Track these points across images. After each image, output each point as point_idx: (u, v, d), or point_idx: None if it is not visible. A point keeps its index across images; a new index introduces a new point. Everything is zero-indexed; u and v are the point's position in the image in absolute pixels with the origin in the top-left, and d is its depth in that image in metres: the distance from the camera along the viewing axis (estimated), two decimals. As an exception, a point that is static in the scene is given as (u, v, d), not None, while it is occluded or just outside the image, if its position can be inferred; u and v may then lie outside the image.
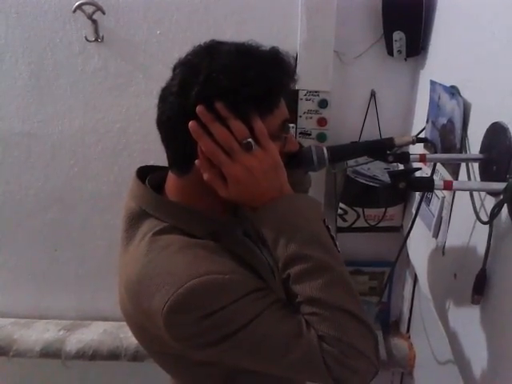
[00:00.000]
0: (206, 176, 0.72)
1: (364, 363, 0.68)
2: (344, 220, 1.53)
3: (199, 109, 0.68)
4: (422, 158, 0.91)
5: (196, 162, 0.71)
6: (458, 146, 1.00)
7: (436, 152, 1.10)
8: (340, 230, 1.54)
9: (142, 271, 0.71)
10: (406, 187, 0.78)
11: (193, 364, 0.79)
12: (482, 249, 0.84)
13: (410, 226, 1.10)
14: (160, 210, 0.77)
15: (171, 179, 0.79)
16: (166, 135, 0.75)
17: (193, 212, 0.77)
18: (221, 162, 0.70)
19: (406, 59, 1.40)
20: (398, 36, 1.34)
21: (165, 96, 0.73)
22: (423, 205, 1.20)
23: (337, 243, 0.75)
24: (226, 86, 0.68)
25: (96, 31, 1.46)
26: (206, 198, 0.76)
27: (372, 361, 0.69)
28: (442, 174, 1.12)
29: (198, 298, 0.66)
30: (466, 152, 0.98)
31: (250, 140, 0.70)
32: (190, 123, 0.69)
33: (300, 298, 0.70)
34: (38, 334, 1.81)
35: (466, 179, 0.97)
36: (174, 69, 0.74)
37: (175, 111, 0.71)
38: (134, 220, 0.78)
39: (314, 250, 0.70)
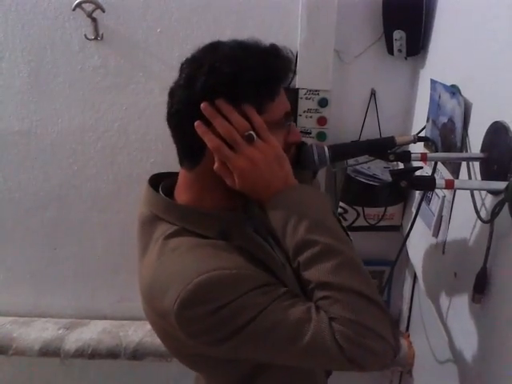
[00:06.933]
0: (215, 166, 0.74)
1: (381, 344, 0.67)
2: (344, 219, 1.52)
3: (203, 106, 0.71)
4: (423, 157, 0.91)
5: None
6: (459, 145, 1.00)
7: (437, 151, 1.10)
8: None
9: (154, 274, 0.74)
10: (407, 186, 0.78)
11: (217, 362, 0.80)
12: (482, 248, 0.84)
13: (410, 225, 1.10)
14: (170, 213, 0.79)
15: (181, 177, 0.82)
16: (176, 128, 0.78)
17: (201, 213, 0.78)
18: (226, 156, 0.72)
19: (406, 58, 1.40)
20: (399, 35, 1.34)
21: (173, 91, 0.77)
22: (423, 204, 1.20)
23: (348, 233, 0.76)
24: (228, 73, 0.70)
25: (96, 29, 1.46)
26: (215, 192, 0.79)
27: (389, 341, 0.68)
28: (442, 174, 1.12)
29: (207, 292, 0.68)
30: (466, 151, 0.98)
31: (251, 132, 0.72)
32: (196, 123, 0.72)
33: (311, 284, 0.70)
34: (37, 332, 1.80)
35: (467, 178, 0.97)
36: (182, 66, 0.77)
37: (183, 103, 0.74)
38: (147, 224, 0.81)
39: (321, 235, 0.70)
